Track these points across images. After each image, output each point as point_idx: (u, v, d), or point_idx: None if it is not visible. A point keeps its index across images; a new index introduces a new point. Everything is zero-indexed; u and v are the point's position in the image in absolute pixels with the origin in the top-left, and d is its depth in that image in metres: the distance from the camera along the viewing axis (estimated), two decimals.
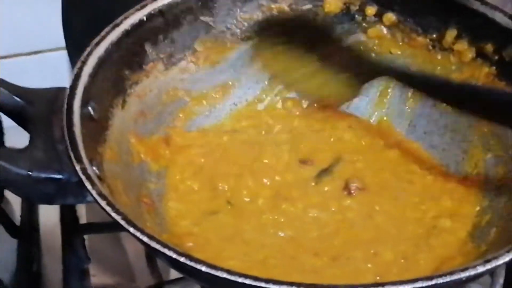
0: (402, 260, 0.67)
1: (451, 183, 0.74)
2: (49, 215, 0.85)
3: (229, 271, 0.53)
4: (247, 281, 0.52)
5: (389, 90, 0.82)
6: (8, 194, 0.83)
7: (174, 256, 0.54)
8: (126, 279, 0.83)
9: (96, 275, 0.80)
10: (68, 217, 0.81)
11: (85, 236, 0.81)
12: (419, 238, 0.69)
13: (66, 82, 0.68)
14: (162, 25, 0.77)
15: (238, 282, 0.52)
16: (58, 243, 0.80)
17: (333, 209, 0.72)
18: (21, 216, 0.85)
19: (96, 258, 0.80)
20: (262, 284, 0.51)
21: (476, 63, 0.76)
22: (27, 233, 0.84)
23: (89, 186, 0.59)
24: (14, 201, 0.87)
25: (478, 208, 0.71)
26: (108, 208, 0.58)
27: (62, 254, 0.79)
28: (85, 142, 0.63)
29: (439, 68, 0.79)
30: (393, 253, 0.67)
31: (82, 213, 0.85)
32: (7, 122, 0.76)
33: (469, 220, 0.70)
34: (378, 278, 0.64)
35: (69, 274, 0.77)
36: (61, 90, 0.70)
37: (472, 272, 0.53)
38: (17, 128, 0.71)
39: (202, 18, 0.79)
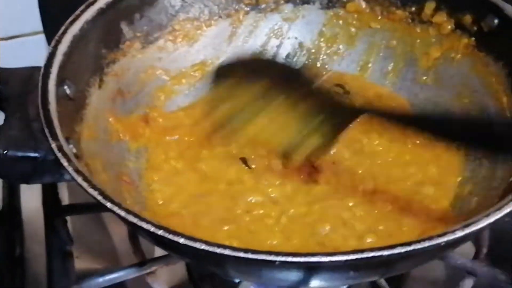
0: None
1: (438, 149, 0.74)
2: (30, 198, 0.85)
3: (207, 242, 0.52)
4: (226, 252, 0.51)
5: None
6: None
7: (152, 229, 0.54)
8: (110, 261, 0.82)
9: (80, 257, 0.79)
10: (50, 199, 0.81)
11: (68, 218, 0.80)
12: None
13: None
14: (137, 3, 0.76)
15: (216, 253, 0.51)
16: (40, 226, 0.80)
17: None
18: (2, 199, 0.85)
19: (79, 240, 0.79)
20: (241, 254, 0.51)
21: (455, 35, 0.76)
22: (8, 217, 0.83)
23: (65, 163, 0.58)
24: None
25: (460, 179, 0.71)
26: (84, 184, 0.57)
27: (45, 237, 0.78)
28: (61, 120, 0.62)
29: (418, 41, 0.79)
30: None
31: (65, 195, 0.84)
32: None
33: (451, 189, 0.70)
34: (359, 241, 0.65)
35: (52, 257, 0.77)
36: (35, 69, 0.69)
37: (451, 237, 0.52)
38: None
39: None
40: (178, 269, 0.78)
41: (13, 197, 0.85)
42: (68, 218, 0.80)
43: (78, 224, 0.82)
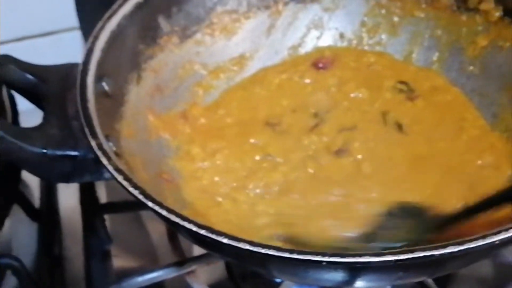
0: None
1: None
2: (68, 197, 0.84)
3: (251, 243, 0.50)
4: (271, 252, 0.50)
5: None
6: (26, 177, 0.81)
7: (194, 229, 0.52)
8: (148, 260, 0.81)
9: (118, 256, 0.78)
10: (88, 198, 0.80)
11: (106, 217, 0.80)
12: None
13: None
14: None
15: (260, 253, 0.50)
16: (78, 225, 0.79)
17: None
18: (40, 198, 0.84)
19: (118, 239, 0.78)
20: (286, 254, 0.49)
21: (504, 22, 0.73)
22: (47, 216, 0.83)
23: (105, 162, 0.57)
24: (33, 184, 0.86)
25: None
26: (125, 183, 0.56)
27: (83, 236, 0.78)
28: (100, 118, 0.61)
29: (464, 29, 0.77)
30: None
31: (102, 193, 0.83)
32: (22, 105, 0.74)
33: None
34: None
35: (91, 256, 0.76)
36: (74, 66, 0.68)
37: (505, 236, 0.50)
38: (31, 112, 0.70)
39: None
40: (217, 268, 0.76)
41: (51, 196, 0.85)
42: (106, 217, 0.79)
43: (117, 223, 0.82)
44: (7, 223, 0.79)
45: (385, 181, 0.68)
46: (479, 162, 0.69)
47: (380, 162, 0.70)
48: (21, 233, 0.82)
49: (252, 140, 0.74)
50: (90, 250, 0.76)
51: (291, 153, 0.72)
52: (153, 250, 0.83)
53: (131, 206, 0.78)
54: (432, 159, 0.70)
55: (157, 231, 0.82)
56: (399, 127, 0.73)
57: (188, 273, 0.70)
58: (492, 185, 0.65)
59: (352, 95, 0.77)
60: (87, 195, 0.80)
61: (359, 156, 0.71)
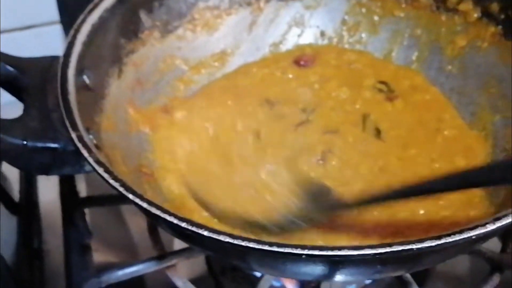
0: None
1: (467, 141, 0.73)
2: (48, 190, 0.84)
3: (232, 235, 0.51)
4: (251, 245, 0.50)
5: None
6: (6, 170, 0.81)
7: (175, 221, 0.52)
8: (128, 254, 0.81)
9: (98, 250, 0.78)
10: (67, 192, 0.80)
11: (86, 211, 0.79)
12: None
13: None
14: None
15: (241, 245, 0.50)
16: (58, 219, 0.79)
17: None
18: (19, 192, 0.84)
19: (98, 233, 0.78)
20: (266, 247, 0.50)
21: (482, 23, 0.74)
22: (26, 209, 0.83)
23: (85, 154, 0.57)
24: (13, 178, 0.85)
25: None
26: (106, 175, 0.56)
27: (63, 229, 0.77)
28: (80, 111, 0.61)
29: (443, 29, 0.77)
30: None
31: (82, 187, 0.83)
32: (2, 98, 0.74)
33: None
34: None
35: (70, 250, 0.75)
36: (54, 58, 0.68)
37: (481, 231, 0.51)
38: (11, 104, 0.70)
39: None
40: (198, 263, 0.77)
41: (30, 189, 0.84)
42: (86, 211, 0.79)
43: (97, 217, 0.82)
44: None
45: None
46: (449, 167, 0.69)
47: (349, 169, 0.71)
48: (0, 226, 0.82)
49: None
50: (70, 243, 0.76)
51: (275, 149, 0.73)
52: (133, 244, 0.83)
53: (111, 200, 0.78)
54: (400, 171, 0.71)
55: (137, 226, 0.83)
56: (378, 132, 0.74)
57: (168, 267, 0.70)
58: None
59: (333, 94, 0.78)
60: (67, 189, 0.80)
61: (333, 163, 0.71)
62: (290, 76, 0.80)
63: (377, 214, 0.64)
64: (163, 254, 0.71)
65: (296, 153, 0.72)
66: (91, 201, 0.80)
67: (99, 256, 0.77)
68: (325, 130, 0.74)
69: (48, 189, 0.84)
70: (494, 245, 0.71)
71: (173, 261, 0.69)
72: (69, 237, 0.76)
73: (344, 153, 0.71)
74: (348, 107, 0.76)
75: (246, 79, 0.80)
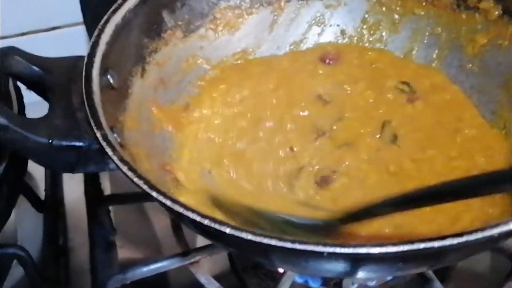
0: None
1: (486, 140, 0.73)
2: (73, 188, 0.85)
3: (253, 233, 0.51)
4: (273, 242, 0.51)
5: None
6: (32, 169, 0.83)
7: (198, 219, 0.53)
8: (152, 251, 0.82)
9: (123, 247, 0.79)
10: (92, 189, 0.81)
11: (111, 208, 0.81)
12: None
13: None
14: None
15: (262, 243, 0.51)
16: (83, 216, 0.80)
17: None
18: (45, 190, 0.85)
19: (122, 230, 0.80)
20: (288, 245, 0.50)
21: (503, 21, 0.74)
22: (52, 207, 0.84)
23: (110, 152, 0.58)
24: (38, 176, 0.87)
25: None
26: (129, 173, 0.57)
27: (88, 227, 0.79)
28: (104, 110, 0.62)
29: (464, 28, 0.77)
30: None
31: (107, 185, 0.84)
32: (28, 98, 0.75)
33: None
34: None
35: (95, 246, 0.77)
36: (79, 58, 0.69)
37: (504, 228, 0.51)
38: (37, 104, 0.71)
39: None
40: (221, 259, 0.77)
41: (56, 187, 0.85)
42: (111, 208, 0.80)
43: (121, 214, 0.83)
44: (13, 214, 0.81)
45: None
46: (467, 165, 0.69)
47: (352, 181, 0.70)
48: (27, 224, 0.83)
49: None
50: (95, 241, 0.77)
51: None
52: (157, 241, 0.84)
53: (135, 197, 0.79)
54: (415, 173, 0.70)
55: (161, 223, 0.83)
56: (395, 138, 0.74)
57: (192, 263, 0.71)
58: None
59: (360, 98, 0.78)
60: (92, 187, 0.81)
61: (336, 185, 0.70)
62: (320, 71, 0.81)
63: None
64: (186, 251, 0.72)
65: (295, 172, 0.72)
66: (115, 198, 0.82)
67: (123, 253, 0.79)
68: (342, 143, 0.74)
69: (73, 187, 0.85)
70: None
71: (197, 258, 0.71)
72: (94, 234, 0.78)
73: (350, 172, 0.71)
74: (372, 112, 0.76)
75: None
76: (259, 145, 0.74)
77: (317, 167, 0.71)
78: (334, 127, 0.75)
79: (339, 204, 0.67)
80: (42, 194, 0.85)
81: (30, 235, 0.81)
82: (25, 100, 0.75)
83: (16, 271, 0.77)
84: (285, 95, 0.78)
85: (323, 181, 0.70)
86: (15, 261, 0.75)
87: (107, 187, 0.84)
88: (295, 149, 0.74)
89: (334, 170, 0.71)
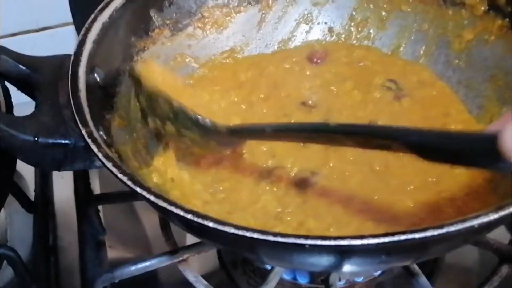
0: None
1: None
2: (63, 188, 0.86)
3: (236, 226, 0.51)
4: (255, 235, 0.51)
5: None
6: (21, 169, 0.83)
7: (182, 213, 0.53)
8: (142, 250, 0.82)
9: (112, 246, 0.79)
10: (82, 189, 0.81)
11: (100, 208, 0.81)
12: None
13: None
14: None
15: (246, 236, 0.51)
16: (73, 216, 0.80)
17: None
18: (35, 190, 0.85)
19: (112, 230, 0.80)
20: (270, 238, 0.50)
21: (489, 16, 0.75)
22: (41, 207, 0.84)
23: (95, 149, 0.58)
24: (28, 176, 0.87)
25: None
26: (114, 170, 0.57)
27: (77, 226, 0.79)
28: (91, 108, 0.62)
29: (451, 23, 0.78)
30: None
31: (96, 185, 0.84)
32: (16, 99, 0.75)
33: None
34: None
35: (85, 246, 0.77)
36: (66, 57, 0.70)
37: (484, 219, 0.51)
38: (25, 105, 0.71)
39: None
40: (209, 257, 0.78)
41: (45, 187, 0.86)
42: (100, 207, 0.80)
43: (111, 213, 0.83)
44: (3, 214, 0.81)
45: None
46: None
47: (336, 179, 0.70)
48: (16, 224, 0.83)
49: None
50: (84, 240, 0.77)
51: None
52: (146, 240, 0.84)
53: (124, 197, 0.80)
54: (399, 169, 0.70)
55: (150, 222, 0.84)
56: None
57: (180, 261, 0.71)
58: (461, 182, 0.66)
59: (347, 97, 0.78)
60: (81, 187, 0.81)
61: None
62: (308, 73, 0.81)
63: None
64: (175, 249, 0.72)
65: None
66: (104, 198, 0.82)
67: (113, 252, 0.79)
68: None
69: (62, 187, 0.86)
70: (502, 236, 0.71)
71: (185, 256, 0.71)
72: (83, 234, 0.78)
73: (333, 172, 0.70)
74: (359, 112, 0.76)
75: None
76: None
77: (296, 169, 0.71)
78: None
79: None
80: (32, 194, 0.85)
81: (20, 235, 0.81)
82: (14, 101, 0.76)
83: (7, 271, 0.77)
84: (273, 103, 0.78)
85: (301, 183, 0.69)
86: (5, 261, 0.75)
87: (96, 187, 0.84)
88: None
89: (315, 172, 0.70)
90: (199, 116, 0.65)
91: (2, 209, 0.75)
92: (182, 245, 0.73)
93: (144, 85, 0.67)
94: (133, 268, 0.71)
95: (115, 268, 0.71)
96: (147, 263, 0.71)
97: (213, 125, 0.65)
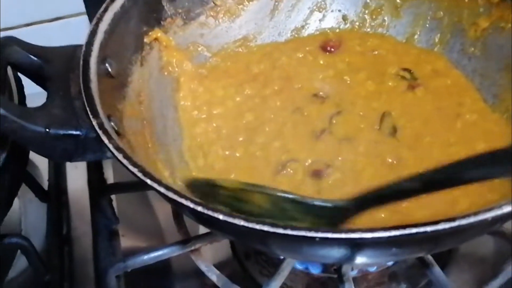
0: None
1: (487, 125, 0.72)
2: (76, 178, 0.86)
3: (246, 219, 0.51)
4: (265, 228, 0.50)
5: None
6: (35, 158, 0.83)
7: (192, 206, 0.53)
8: (155, 239, 0.82)
9: (125, 235, 0.79)
10: (95, 179, 0.81)
11: (113, 197, 0.81)
12: None
13: None
14: None
15: (255, 229, 0.51)
16: (86, 205, 0.81)
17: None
18: (48, 180, 0.86)
19: (125, 219, 0.80)
20: (280, 230, 0.50)
21: (505, 4, 0.73)
22: (55, 196, 0.84)
23: (105, 140, 0.58)
24: (42, 166, 0.87)
25: None
26: (125, 161, 0.57)
27: (91, 216, 0.79)
28: (102, 98, 0.62)
29: (466, 11, 0.77)
30: None
31: (109, 174, 0.84)
32: (29, 89, 0.75)
33: None
34: None
35: (98, 235, 0.77)
36: (78, 47, 0.69)
37: (498, 212, 0.50)
38: (38, 95, 0.71)
39: None
40: (222, 247, 0.78)
41: (59, 177, 0.86)
42: (113, 197, 0.81)
43: (124, 203, 0.83)
44: (17, 203, 0.81)
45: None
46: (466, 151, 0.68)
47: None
48: (30, 213, 0.84)
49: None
50: (98, 229, 0.77)
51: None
52: (159, 229, 0.84)
53: (137, 186, 0.79)
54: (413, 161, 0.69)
55: (163, 211, 0.84)
56: (394, 130, 0.72)
57: (193, 251, 0.71)
58: None
59: (361, 88, 0.77)
60: (95, 176, 0.81)
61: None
62: (321, 62, 0.80)
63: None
64: (187, 239, 0.72)
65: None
66: (118, 187, 0.82)
67: (126, 241, 0.79)
68: (342, 137, 0.72)
69: (76, 176, 0.86)
70: None
71: (197, 245, 0.71)
72: (97, 223, 0.78)
73: (345, 165, 0.70)
74: (373, 103, 0.75)
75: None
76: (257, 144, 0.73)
77: (309, 160, 0.70)
78: (334, 121, 0.74)
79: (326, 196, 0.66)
80: (45, 184, 0.85)
81: (34, 224, 0.82)
82: (27, 91, 0.76)
83: (21, 261, 0.77)
84: (286, 96, 0.77)
85: (315, 175, 0.69)
86: (19, 251, 0.75)
87: (110, 176, 0.84)
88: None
89: (329, 164, 0.70)
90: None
91: (16, 199, 0.75)
92: (194, 235, 0.73)
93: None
94: (145, 257, 0.71)
95: (127, 258, 0.71)
96: (160, 252, 0.71)
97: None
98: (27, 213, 0.83)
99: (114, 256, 0.74)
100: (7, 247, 0.72)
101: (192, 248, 0.71)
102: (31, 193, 0.83)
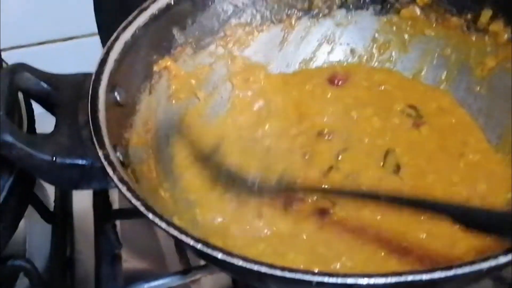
0: None
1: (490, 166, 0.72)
2: (82, 201, 0.86)
3: (245, 258, 0.52)
4: (263, 269, 0.51)
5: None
6: (42, 180, 0.84)
7: (192, 243, 0.54)
8: (156, 264, 0.83)
9: (128, 260, 0.80)
10: (100, 203, 0.82)
11: (117, 222, 0.81)
12: None
13: None
14: (190, 9, 0.76)
15: (253, 270, 0.51)
16: (90, 229, 0.81)
17: None
18: (54, 201, 0.86)
19: (127, 243, 0.80)
20: (277, 272, 0.51)
21: None
22: (60, 218, 0.84)
23: (110, 172, 0.59)
24: (48, 187, 0.88)
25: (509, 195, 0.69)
26: (128, 194, 0.58)
27: (95, 241, 0.79)
28: (109, 128, 0.63)
29: (473, 50, 0.77)
30: None
31: (115, 199, 0.85)
32: (38, 108, 0.76)
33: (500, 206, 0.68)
34: None
35: (101, 259, 0.77)
36: (87, 75, 0.69)
37: (493, 263, 0.51)
38: (47, 115, 0.72)
39: (231, 0, 0.79)
40: (223, 278, 0.78)
41: (65, 199, 0.86)
42: (117, 221, 0.81)
43: (127, 227, 0.83)
44: (23, 224, 0.82)
45: None
46: (468, 192, 0.69)
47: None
48: (35, 234, 0.84)
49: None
50: (101, 253, 0.78)
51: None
52: (162, 255, 0.84)
53: (141, 213, 0.80)
54: None
55: (166, 237, 0.83)
56: (397, 168, 0.73)
57: (193, 281, 0.71)
58: None
59: (367, 124, 0.78)
60: (100, 200, 0.82)
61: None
62: (329, 95, 0.81)
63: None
64: (188, 269, 0.72)
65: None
66: (122, 213, 0.82)
67: (128, 266, 0.79)
68: (347, 174, 0.73)
69: (82, 199, 0.86)
70: None
71: (198, 276, 0.71)
72: (100, 248, 0.78)
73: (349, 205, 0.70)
74: (378, 140, 0.76)
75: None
76: None
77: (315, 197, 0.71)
78: (340, 158, 0.74)
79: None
80: (51, 205, 0.86)
81: (38, 245, 0.82)
82: (37, 110, 0.76)
83: (23, 283, 0.78)
84: (296, 136, 0.78)
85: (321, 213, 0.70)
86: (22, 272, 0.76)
87: (115, 201, 0.84)
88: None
89: (334, 202, 0.70)
90: None
91: (22, 219, 0.76)
92: (195, 264, 0.73)
93: None
94: (145, 286, 0.72)
95: (128, 285, 0.72)
96: (160, 282, 0.72)
97: None
98: (32, 233, 0.84)
99: (115, 281, 0.75)
100: (10, 269, 0.73)
101: (193, 278, 0.71)
102: (36, 213, 0.83)
